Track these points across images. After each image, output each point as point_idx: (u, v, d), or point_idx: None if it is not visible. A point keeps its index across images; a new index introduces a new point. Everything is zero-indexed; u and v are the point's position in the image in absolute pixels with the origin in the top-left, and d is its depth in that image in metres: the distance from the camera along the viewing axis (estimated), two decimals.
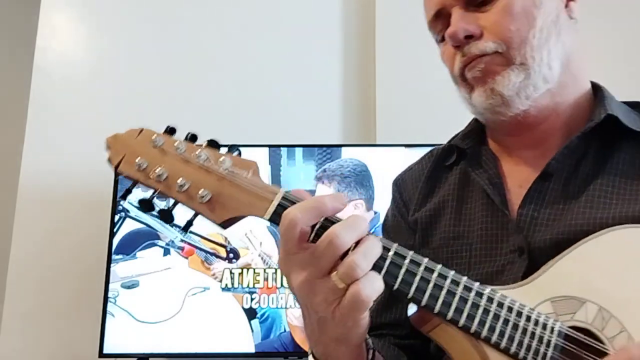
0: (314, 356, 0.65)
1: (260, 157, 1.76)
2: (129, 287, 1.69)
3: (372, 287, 0.56)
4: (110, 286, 1.67)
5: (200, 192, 0.62)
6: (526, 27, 0.72)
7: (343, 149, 1.78)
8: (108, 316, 1.66)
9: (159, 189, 0.63)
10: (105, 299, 1.67)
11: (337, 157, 1.77)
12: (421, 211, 0.85)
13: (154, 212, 0.65)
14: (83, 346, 1.78)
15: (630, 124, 0.74)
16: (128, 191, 0.66)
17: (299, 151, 1.77)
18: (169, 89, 2.01)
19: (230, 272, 1.70)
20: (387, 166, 1.70)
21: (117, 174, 0.66)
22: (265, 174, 1.76)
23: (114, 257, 1.69)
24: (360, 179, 1.75)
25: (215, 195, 0.62)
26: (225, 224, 0.63)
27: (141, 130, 0.66)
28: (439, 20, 0.77)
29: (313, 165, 1.77)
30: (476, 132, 0.86)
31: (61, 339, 1.83)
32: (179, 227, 0.66)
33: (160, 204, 0.66)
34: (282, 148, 1.77)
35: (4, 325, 1.82)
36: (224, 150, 0.66)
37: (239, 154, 0.65)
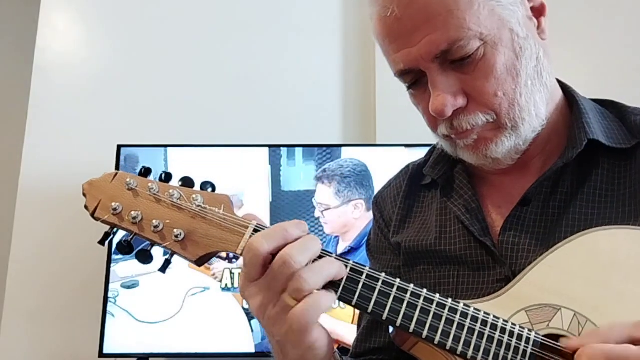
0: None
1: (260, 157, 1.76)
2: (129, 287, 1.69)
3: (318, 304, 0.56)
4: (110, 286, 1.67)
5: (174, 231, 0.63)
6: (512, 86, 0.68)
7: (343, 149, 1.78)
8: (108, 316, 1.66)
9: (135, 231, 0.65)
10: (105, 299, 1.67)
11: (337, 157, 1.77)
12: (401, 234, 0.84)
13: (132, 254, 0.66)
14: (83, 346, 1.78)
15: (610, 142, 0.72)
16: (107, 235, 0.67)
17: (299, 151, 1.77)
18: (169, 89, 2.01)
19: (230, 272, 1.70)
20: (387, 166, 1.70)
21: (95, 219, 0.66)
22: (265, 174, 1.76)
23: (114, 257, 1.69)
24: (360, 179, 1.75)
25: (188, 234, 0.64)
26: (199, 262, 0.64)
27: (115, 174, 0.67)
28: (410, 74, 0.71)
29: (313, 165, 1.77)
30: (447, 155, 0.81)
31: (61, 339, 1.83)
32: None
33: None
34: (282, 148, 1.77)
35: (4, 325, 1.82)
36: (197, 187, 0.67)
37: (213, 189, 0.67)
